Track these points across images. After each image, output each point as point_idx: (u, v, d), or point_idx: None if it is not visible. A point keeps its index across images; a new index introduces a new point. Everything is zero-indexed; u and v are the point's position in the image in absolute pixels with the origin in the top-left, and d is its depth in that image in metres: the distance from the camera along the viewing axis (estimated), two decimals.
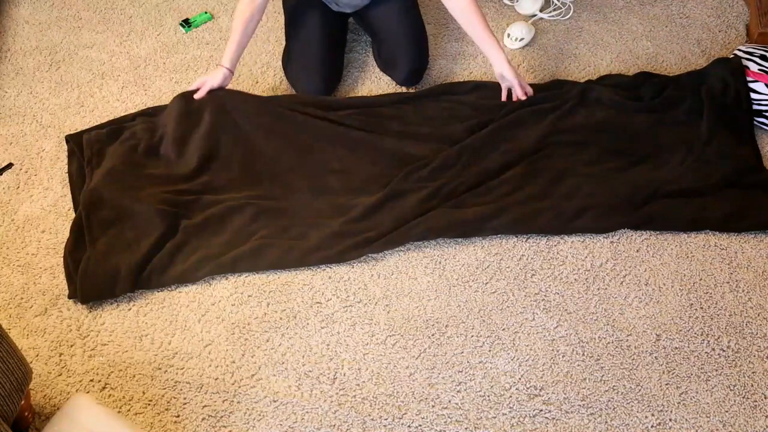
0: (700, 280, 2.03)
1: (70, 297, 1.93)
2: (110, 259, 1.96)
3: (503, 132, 2.30)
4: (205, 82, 2.24)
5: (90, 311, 1.92)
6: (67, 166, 2.20)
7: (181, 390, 1.80)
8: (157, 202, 2.05)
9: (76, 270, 1.94)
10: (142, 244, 1.98)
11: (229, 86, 2.34)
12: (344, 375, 1.83)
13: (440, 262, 2.04)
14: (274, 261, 1.99)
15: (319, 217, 2.09)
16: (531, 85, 2.43)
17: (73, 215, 2.08)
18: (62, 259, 1.99)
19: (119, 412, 1.77)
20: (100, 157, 2.17)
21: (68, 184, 2.16)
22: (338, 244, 2.02)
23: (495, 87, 2.41)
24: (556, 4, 2.73)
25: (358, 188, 2.17)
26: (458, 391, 1.81)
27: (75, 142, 2.22)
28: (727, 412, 1.80)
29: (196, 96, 2.23)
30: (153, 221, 2.02)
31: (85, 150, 2.19)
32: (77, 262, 1.96)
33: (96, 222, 2.02)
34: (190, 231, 2.03)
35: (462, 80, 2.48)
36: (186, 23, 2.63)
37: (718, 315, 1.97)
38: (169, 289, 1.96)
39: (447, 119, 2.33)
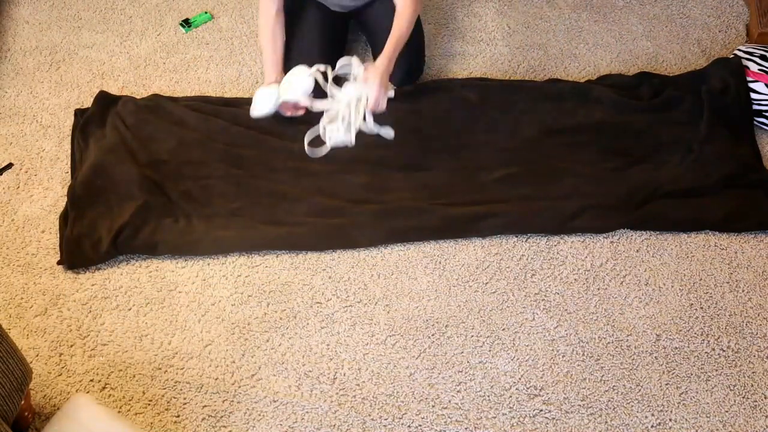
0: (700, 280, 2.03)
1: (58, 263, 1.98)
2: (95, 226, 2.03)
3: (501, 130, 2.30)
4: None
5: (90, 311, 1.92)
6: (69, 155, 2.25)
7: (181, 390, 1.80)
8: (140, 173, 2.11)
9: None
10: (125, 208, 2.04)
11: (222, 86, 2.34)
12: (344, 375, 1.83)
13: (440, 262, 2.04)
14: (255, 243, 2.03)
15: (304, 212, 2.11)
16: (527, 82, 2.43)
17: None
18: (58, 227, 2.06)
19: (119, 412, 1.77)
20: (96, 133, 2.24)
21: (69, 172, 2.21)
22: (324, 236, 2.05)
23: (494, 84, 2.41)
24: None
25: (346, 172, 2.18)
26: (458, 391, 1.81)
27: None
28: (727, 412, 1.80)
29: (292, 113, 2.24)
30: (135, 189, 2.07)
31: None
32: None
33: (87, 194, 2.08)
34: (177, 201, 2.09)
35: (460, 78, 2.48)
36: (186, 23, 2.63)
37: (718, 315, 1.97)
38: (169, 288, 1.96)
39: (443, 116, 2.33)
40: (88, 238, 2.00)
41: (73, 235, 2.00)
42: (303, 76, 2.13)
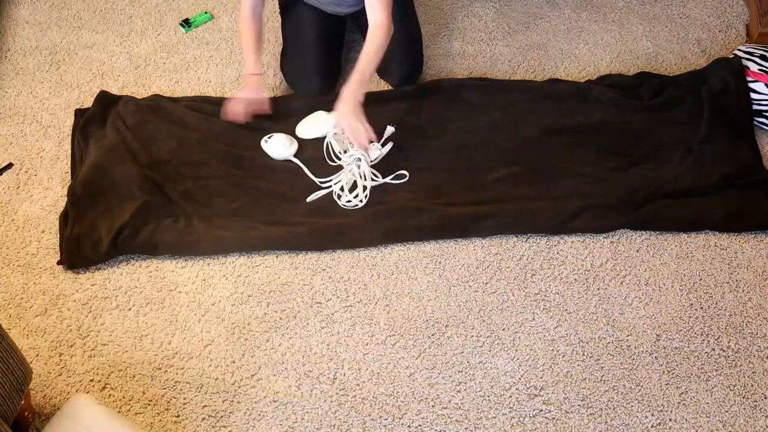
0: (700, 280, 2.03)
1: (59, 263, 1.98)
2: (96, 226, 2.02)
3: (501, 130, 2.30)
4: (244, 100, 2.24)
5: (90, 311, 1.92)
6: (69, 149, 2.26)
7: (181, 390, 1.80)
8: (140, 173, 2.11)
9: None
10: (125, 209, 2.04)
11: (223, 87, 2.34)
12: (344, 375, 1.83)
13: (440, 262, 2.04)
14: (257, 243, 2.03)
15: (302, 212, 2.11)
16: (527, 82, 2.43)
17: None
18: (58, 226, 2.06)
19: (119, 412, 1.77)
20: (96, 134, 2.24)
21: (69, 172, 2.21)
22: (324, 236, 2.04)
23: (494, 84, 2.41)
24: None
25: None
26: (458, 391, 1.81)
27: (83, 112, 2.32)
28: (727, 412, 1.80)
29: (240, 119, 2.25)
30: (135, 189, 2.07)
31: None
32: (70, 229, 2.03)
33: (87, 194, 2.08)
34: (177, 201, 2.09)
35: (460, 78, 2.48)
36: (186, 23, 2.63)
37: (718, 315, 1.97)
38: (169, 288, 1.96)
39: (443, 116, 2.33)
40: (88, 238, 2.00)
41: (73, 235, 2.00)
42: (326, 120, 2.25)
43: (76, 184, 2.09)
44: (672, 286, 2.02)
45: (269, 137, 2.22)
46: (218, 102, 2.35)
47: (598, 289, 2.01)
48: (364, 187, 2.13)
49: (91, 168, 2.11)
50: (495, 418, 1.78)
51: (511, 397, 1.81)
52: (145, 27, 2.62)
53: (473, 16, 2.71)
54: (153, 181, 2.11)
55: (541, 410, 1.79)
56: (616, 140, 2.29)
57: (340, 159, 2.19)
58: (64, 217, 2.06)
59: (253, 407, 1.78)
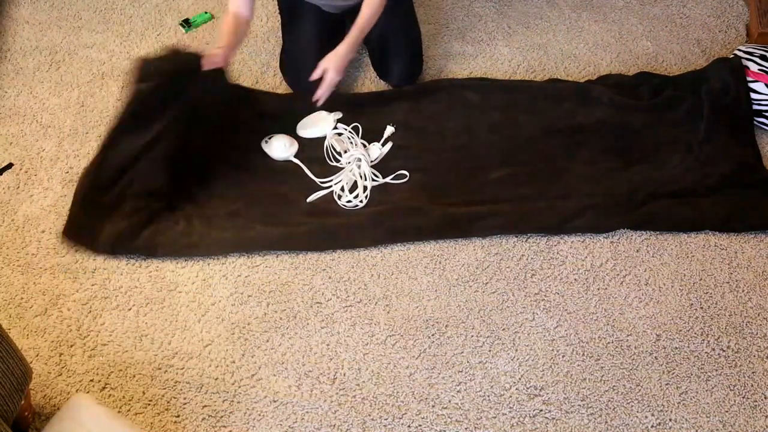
0: (700, 280, 2.03)
1: (63, 233, 2.01)
2: (99, 217, 2.01)
3: (501, 130, 2.30)
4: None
5: (90, 311, 1.92)
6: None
7: (181, 390, 1.80)
8: (140, 172, 2.08)
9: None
10: (126, 208, 2.02)
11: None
12: (344, 375, 1.83)
13: (440, 262, 2.04)
14: (260, 243, 2.03)
15: (304, 212, 2.11)
16: (527, 82, 2.43)
17: None
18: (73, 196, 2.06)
19: (119, 412, 1.77)
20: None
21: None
22: (324, 236, 2.04)
23: (494, 84, 2.41)
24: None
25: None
26: (458, 391, 1.81)
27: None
28: (727, 412, 1.80)
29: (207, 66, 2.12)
30: (136, 188, 2.05)
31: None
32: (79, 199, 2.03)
33: (94, 186, 2.05)
34: (176, 202, 2.08)
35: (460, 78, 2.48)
36: (186, 23, 2.63)
37: (718, 315, 1.97)
38: (169, 288, 1.96)
39: (443, 116, 2.33)
40: (88, 229, 1.99)
41: (79, 216, 2.00)
42: (327, 120, 2.27)
43: (92, 170, 2.05)
44: (672, 286, 2.02)
45: (269, 138, 2.22)
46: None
47: (598, 289, 2.01)
48: (365, 187, 2.13)
49: (98, 163, 2.08)
50: (495, 418, 1.78)
51: (511, 397, 1.81)
52: (145, 27, 2.62)
53: (473, 16, 2.71)
54: (153, 181, 2.10)
55: (541, 410, 1.79)
56: (615, 140, 2.29)
57: (340, 159, 2.19)
58: (80, 192, 2.04)
59: (253, 407, 1.78)
